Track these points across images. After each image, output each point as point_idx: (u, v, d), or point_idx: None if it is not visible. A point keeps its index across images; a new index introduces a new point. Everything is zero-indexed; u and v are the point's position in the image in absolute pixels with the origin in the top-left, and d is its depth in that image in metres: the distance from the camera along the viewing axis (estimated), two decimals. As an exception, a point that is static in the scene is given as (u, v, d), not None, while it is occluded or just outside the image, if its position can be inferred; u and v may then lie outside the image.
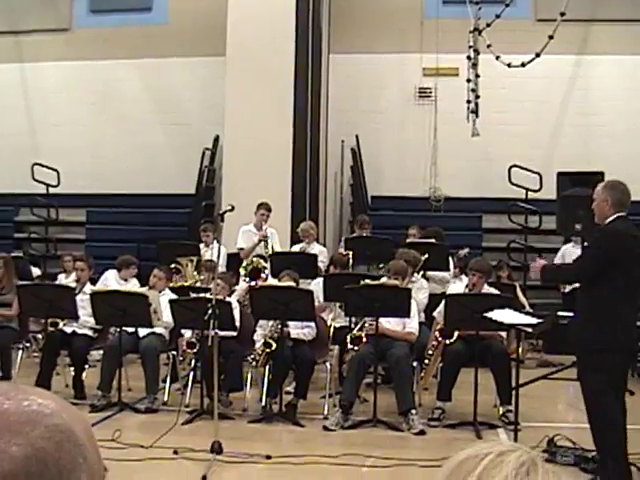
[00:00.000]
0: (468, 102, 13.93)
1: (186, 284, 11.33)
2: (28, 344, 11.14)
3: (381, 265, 11.30)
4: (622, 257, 6.61)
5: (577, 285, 12.31)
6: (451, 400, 9.06)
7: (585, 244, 11.45)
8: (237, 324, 9.42)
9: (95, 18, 17.86)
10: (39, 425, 1.08)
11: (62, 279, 12.70)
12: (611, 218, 6.78)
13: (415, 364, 9.23)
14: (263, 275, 11.15)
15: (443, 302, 9.13)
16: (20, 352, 10.46)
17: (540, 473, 1.25)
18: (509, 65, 12.97)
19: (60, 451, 1.08)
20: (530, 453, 1.28)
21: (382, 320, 9.06)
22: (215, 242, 12.70)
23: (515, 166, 14.59)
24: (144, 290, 10.09)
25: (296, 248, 12.23)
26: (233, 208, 8.09)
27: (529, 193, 14.49)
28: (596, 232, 7.07)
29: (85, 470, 1.11)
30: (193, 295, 10.04)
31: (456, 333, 9.09)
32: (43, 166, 15.57)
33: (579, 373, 7.06)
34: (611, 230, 6.75)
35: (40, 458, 1.06)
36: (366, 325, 9.26)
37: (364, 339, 9.17)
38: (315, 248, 12.23)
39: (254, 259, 11.54)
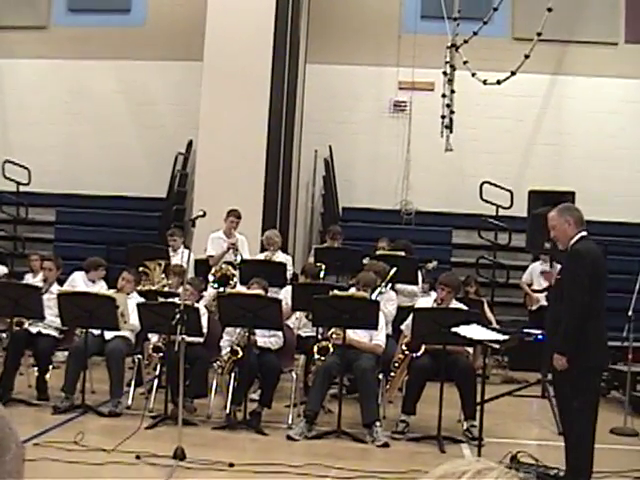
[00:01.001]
0: (443, 117, 14.01)
1: (153, 288, 11.28)
2: (-8, 343, 11.05)
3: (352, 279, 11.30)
4: (592, 276, 6.68)
5: (544, 303, 12.50)
6: (415, 414, 9.07)
7: (553, 263, 11.57)
8: (204, 330, 9.39)
9: (73, 17, 17.77)
10: None
11: (29, 279, 12.62)
12: (576, 238, 6.88)
13: (381, 376, 9.23)
14: (232, 282, 11.13)
15: (411, 316, 9.13)
16: (-17, 351, 10.38)
17: None
18: (485, 82, 13.06)
19: None
20: (508, 473, 1.29)
21: (349, 331, 9.06)
22: (183, 247, 12.68)
23: (487, 182, 14.71)
24: (112, 292, 10.04)
25: (261, 256, 12.19)
26: (205, 214, 8.08)
27: (500, 210, 14.60)
28: (566, 255, 7.10)
29: (14, 440, 1.18)
30: (161, 299, 9.99)
31: (423, 347, 9.11)
32: (14, 164, 15.48)
33: (557, 392, 7.09)
34: (581, 251, 6.82)
35: None
36: (333, 336, 9.26)
37: (331, 349, 9.18)
38: (280, 257, 12.20)
39: (223, 266, 11.51)
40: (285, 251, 13.13)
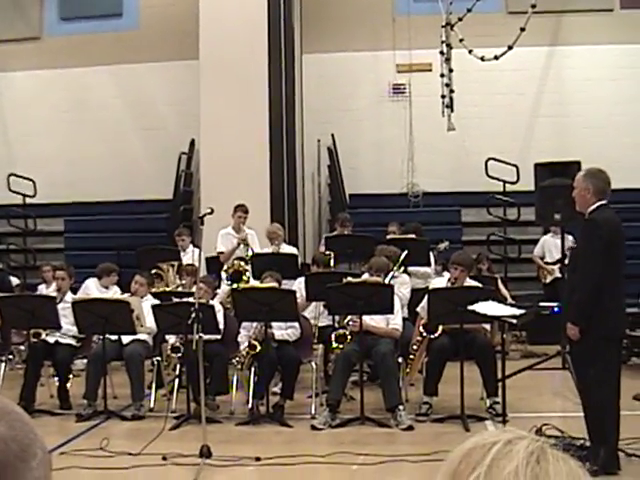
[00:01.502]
0: (443, 97, 13.95)
1: (168, 289, 11.28)
2: (11, 356, 11.07)
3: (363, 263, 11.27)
4: (609, 246, 6.64)
5: (558, 275, 12.48)
6: (438, 394, 9.08)
7: (566, 234, 11.54)
8: (221, 327, 9.39)
9: (66, 26, 17.74)
10: None
11: (42, 290, 12.62)
12: (593, 207, 6.81)
13: (400, 360, 9.23)
14: (245, 278, 11.12)
15: (426, 297, 9.12)
16: (3, 365, 10.39)
17: (551, 461, 1.24)
18: (482, 59, 13.01)
19: (13, 429, 1.14)
20: (538, 441, 1.27)
21: (366, 317, 9.05)
22: (191, 246, 12.68)
23: (492, 159, 14.67)
24: (126, 297, 10.04)
25: (267, 251, 12.16)
26: (212, 211, 8.06)
27: (507, 185, 14.56)
28: (582, 223, 7.07)
29: (40, 446, 1.17)
30: (176, 300, 9.99)
31: (440, 327, 9.10)
32: (19, 176, 15.50)
33: (574, 363, 7.06)
34: (597, 220, 6.76)
35: None
36: (350, 323, 9.26)
37: (348, 337, 9.18)
38: (285, 249, 12.20)
39: (235, 262, 11.50)
40: (290, 243, 13.12)
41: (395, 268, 10.18)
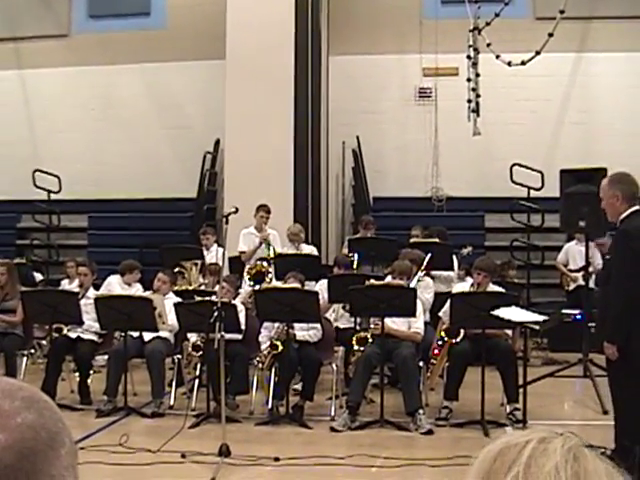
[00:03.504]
0: (469, 101, 13.91)
1: (190, 288, 11.30)
2: (33, 350, 11.12)
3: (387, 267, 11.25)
4: None
5: (582, 282, 12.39)
6: (458, 399, 9.03)
7: (591, 242, 11.46)
8: (242, 327, 9.40)
9: (94, 23, 17.84)
10: (16, 399, 1.15)
11: (65, 285, 12.66)
12: (625, 214, 6.56)
13: (421, 364, 9.20)
14: (267, 279, 11.13)
15: (448, 301, 9.08)
16: (25, 359, 10.44)
17: (589, 458, 1.23)
18: (509, 64, 12.95)
19: (42, 417, 1.15)
20: (573, 438, 1.26)
21: (387, 320, 9.04)
22: (215, 245, 12.70)
23: (517, 165, 14.61)
24: (149, 294, 10.07)
25: (286, 251, 12.16)
26: (237, 210, 8.07)
27: (531, 191, 14.50)
28: (615, 235, 6.89)
29: (67, 435, 1.19)
30: (198, 298, 10.00)
31: (462, 332, 9.07)
32: (44, 172, 15.57)
33: (610, 376, 6.89)
34: (628, 231, 6.52)
35: (29, 425, 1.12)
36: (371, 325, 9.25)
37: (370, 339, 9.17)
38: (305, 249, 12.22)
39: (257, 263, 11.52)
40: (312, 244, 13.13)
41: (419, 272, 10.17)
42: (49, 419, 1.16)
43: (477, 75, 13.85)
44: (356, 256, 11.48)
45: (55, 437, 1.15)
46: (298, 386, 9.57)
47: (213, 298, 9.20)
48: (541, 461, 1.21)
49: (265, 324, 9.54)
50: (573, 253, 13.80)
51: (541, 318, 7.94)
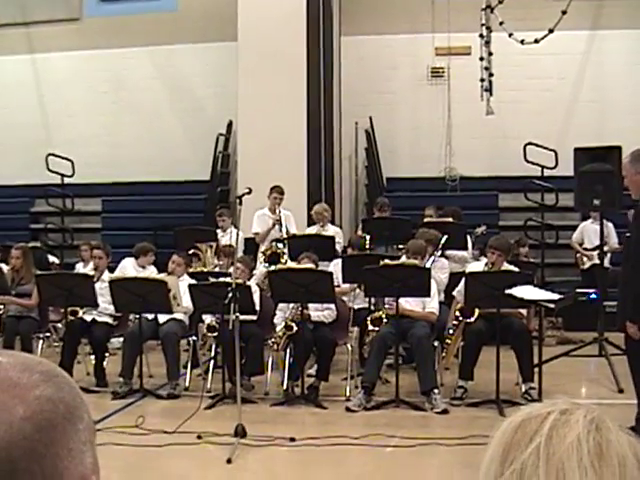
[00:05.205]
0: (482, 80, 13.84)
1: (205, 269, 11.31)
2: (48, 334, 11.16)
3: (400, 246, 11.23)
4: None
5: (597, 261, 12.34)
6: (473, 379, 9.04)
7: (604, 220, 11.41)
8: (257, 308, 9.41)
9: (105, 7, 17.81)
10: (34, 372, 1.14)
11: (80, 268, 12.71)
12: None
13: (436, 344, 9.20)
14: (282, 260, 11.13)
15: (463, 281, 9.06)
16: (40, 342, 10.50)
17: (611, 429, 1.22)
18: (522, 42, 12.89)
19: (61, 391, 1.15)
20: (594, 410, 1.26)
21: (402, 300, 9.03)
22: (232, 227, 12.71)
23: (530, 144, 14.52)
24: (163, 276, 10.09)
25: (311, 231, 12.19)
26: (251, 191, 8.07)
27: (545, 170, 14.42)
28: (635, 212, 6.85)
29: (85, 410, 1.19)
30: (212, 280, 10.01)
31: (476, 311, 9.05)
32: (57, 156, 15.58)
33: (633, 355, 6.86)
34: None
35: (48, 398, 1.13)
36: (386, 306, 9.25)
37: (384, 320, 9.16)
38: (330, 230, 12.21)
39: (272, 244, 11.53)
40: (334, 223, 13.15)
41: (435, 252, 10.15)
42: (67, 393, 1.16)
43: (490, 54, 13.77)
44: (367, 237, 11.46)
45: (73, 411, 1.15)
46: (312, 370, 9.58)
47: (228, 279, 9.21)
48: (563, 432, 1.20)
49: (280, 305, 9.56)
50: (588, 232, 13.76)
51: (556, 297, 7.93)
